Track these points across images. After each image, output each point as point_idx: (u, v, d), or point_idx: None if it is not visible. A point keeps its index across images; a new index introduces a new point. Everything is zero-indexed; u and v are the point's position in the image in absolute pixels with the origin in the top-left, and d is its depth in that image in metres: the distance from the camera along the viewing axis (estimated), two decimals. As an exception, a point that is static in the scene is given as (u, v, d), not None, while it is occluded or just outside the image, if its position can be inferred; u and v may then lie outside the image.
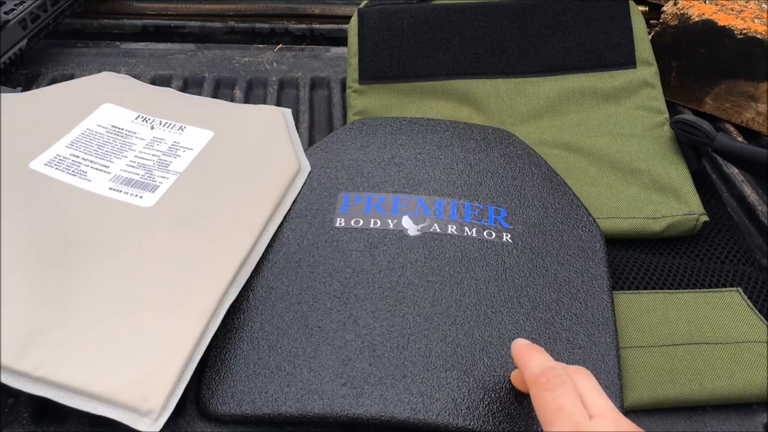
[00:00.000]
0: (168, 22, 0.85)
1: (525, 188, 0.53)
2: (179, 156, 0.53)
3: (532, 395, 0.36)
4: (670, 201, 0.56)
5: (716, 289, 0.50)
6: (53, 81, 0.71)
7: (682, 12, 0.70)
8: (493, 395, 0.41)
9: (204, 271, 0.43)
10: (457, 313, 0.45)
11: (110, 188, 0.49)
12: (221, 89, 0.73)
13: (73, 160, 0.51)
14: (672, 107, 0.71)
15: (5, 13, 0.67)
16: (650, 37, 0.68)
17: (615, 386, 0.43)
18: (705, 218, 0.55)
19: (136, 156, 0.53)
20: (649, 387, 0.43)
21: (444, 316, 0.45)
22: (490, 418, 0.40)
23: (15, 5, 0.68)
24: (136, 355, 0.38)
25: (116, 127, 0.56)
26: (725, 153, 0.57)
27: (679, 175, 0.58)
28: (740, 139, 0.68)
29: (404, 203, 0.51)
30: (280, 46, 0.83)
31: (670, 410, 0.44)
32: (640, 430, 0.33)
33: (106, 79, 0.64)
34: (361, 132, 0.57)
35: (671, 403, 0.44)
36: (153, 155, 0.53)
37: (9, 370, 0.36)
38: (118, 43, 0.81)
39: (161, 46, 0.80)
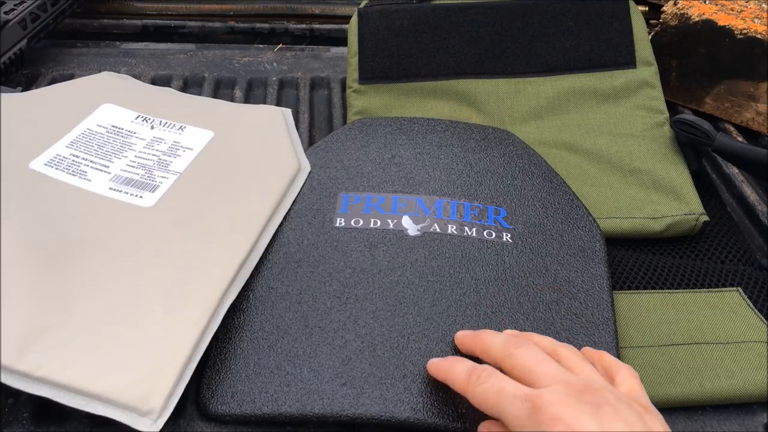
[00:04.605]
0: (168, 22, 0.85)
1: (525, 188, 0.53)
2: (179, 156, 0.53)
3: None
4: (670, 201, 0.56)
5: (716, 289, 0.50)
6: (53, 81, 0.71)
7: (682, 12, 0.69)
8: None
9: (204, 271, 0.43)
10: (457, 313, 0.45)
11: (110, 188, 0.49)
12: (221, 89, 0.73)
13: (73, 160, 0.51)
14: (672, 107, 0.71)
15: (5, 13, 0.67)
16: (650, 37, 0.68)
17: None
18: (705, 218, 0.55)
19: (136, 156, 0.53)
20: (649, 387, 0.43)
21: (444, 316, 0.45)
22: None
23: (15, 5, 0.68)
24: (136, 355, 0.38)
25: (116, 127, 0.56)
26: (725, 153, 0.57)
27: (679, 175, 0.58)
28: (740, 139, 0.68)
29: (404, 203, 0.51)
30: (280, 46, 0.83)
31: (670, 410, 0.43)
32: None
33: (106, 79, 0.64)
34: (361, 132, 0.57)
35: (671, 403, 0.44)
36: (153, 155, 0.53)
37: (9, 370, 0.36)
38: (118, 43, 0.81)
39: (161, 46, 0.80)
